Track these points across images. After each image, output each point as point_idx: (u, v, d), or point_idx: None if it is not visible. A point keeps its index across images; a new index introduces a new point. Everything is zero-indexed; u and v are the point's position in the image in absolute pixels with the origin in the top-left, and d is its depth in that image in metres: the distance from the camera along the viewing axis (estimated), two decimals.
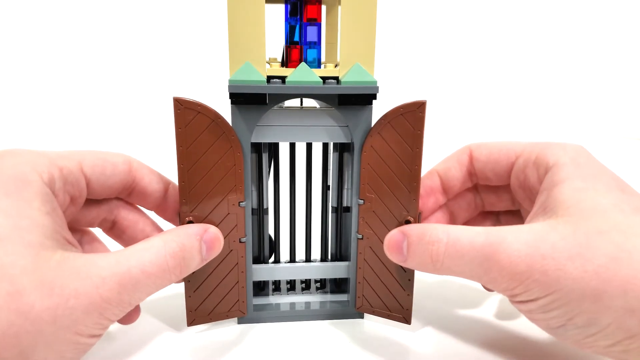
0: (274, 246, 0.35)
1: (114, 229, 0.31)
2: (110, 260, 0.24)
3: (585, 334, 0.23)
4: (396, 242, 0.28)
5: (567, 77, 1.09)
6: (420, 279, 0.36)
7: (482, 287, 0.36)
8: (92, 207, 0.30)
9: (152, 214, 0.32)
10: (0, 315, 0.21)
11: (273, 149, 0.32)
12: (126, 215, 0.31)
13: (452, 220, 0.34)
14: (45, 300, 0.22)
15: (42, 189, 0.25)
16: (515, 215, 0.34)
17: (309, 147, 0.32)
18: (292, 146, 0.32)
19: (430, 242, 0.26)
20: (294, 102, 0.33)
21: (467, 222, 0.35)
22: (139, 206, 0.32)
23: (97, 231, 0.32)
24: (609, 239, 0.23)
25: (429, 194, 0.33)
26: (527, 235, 0.24)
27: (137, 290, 0.25)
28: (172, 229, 0.28)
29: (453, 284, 0.39)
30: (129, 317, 0.29)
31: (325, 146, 0.33)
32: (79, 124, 0.96)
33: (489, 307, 0.35)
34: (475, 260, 0.25)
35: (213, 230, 0.29)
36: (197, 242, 0.27)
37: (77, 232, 0.31)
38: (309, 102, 0.32)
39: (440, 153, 0.35)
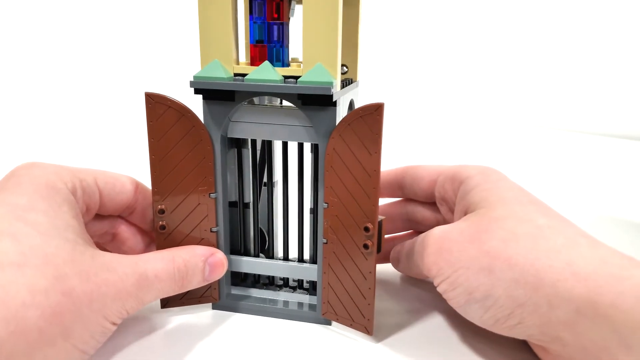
0: (265, 240, 0.35)
1: (115, 241, 0.34)
2: (131, 261, 0.28)
3: (485, 307, 0.27)
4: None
5: (567, 76, 1.04)
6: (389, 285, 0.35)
7: None
8: (96, 221, 0.33)
9: None
10: (50, 295, 0.24)
11: (263, 146, 0.33)
12: (126, 229, 0.34)
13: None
14: (84, 285, 0.25)
15: (68, 196, 0.28)
16: None
17: (284, 146, 0.32)
18: (269, 144, 0.33)
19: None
20: (276, 101, 0.33)
21: (397, 236, 0.40)
22: None
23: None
24: (503, 225, 0.28)
25: None
26: (447, 226, 0.30)
27: (150, 291, 0.28)
28: (183, 246, 0.32)
29: (420, 291, 0.36)
30: None
31: (301, 146, 0.32)
32: (60, 122, 0.94)
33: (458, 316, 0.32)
34: (417, 253, 0.31)
35: (219, 256, 0.32)
36: (201, 262, 0.31)
37: None
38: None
39: (420, 156, 0.33)
